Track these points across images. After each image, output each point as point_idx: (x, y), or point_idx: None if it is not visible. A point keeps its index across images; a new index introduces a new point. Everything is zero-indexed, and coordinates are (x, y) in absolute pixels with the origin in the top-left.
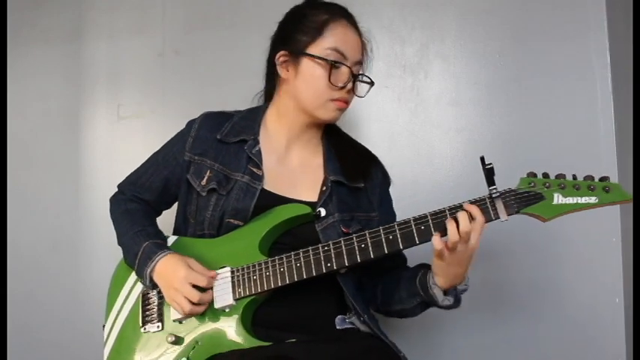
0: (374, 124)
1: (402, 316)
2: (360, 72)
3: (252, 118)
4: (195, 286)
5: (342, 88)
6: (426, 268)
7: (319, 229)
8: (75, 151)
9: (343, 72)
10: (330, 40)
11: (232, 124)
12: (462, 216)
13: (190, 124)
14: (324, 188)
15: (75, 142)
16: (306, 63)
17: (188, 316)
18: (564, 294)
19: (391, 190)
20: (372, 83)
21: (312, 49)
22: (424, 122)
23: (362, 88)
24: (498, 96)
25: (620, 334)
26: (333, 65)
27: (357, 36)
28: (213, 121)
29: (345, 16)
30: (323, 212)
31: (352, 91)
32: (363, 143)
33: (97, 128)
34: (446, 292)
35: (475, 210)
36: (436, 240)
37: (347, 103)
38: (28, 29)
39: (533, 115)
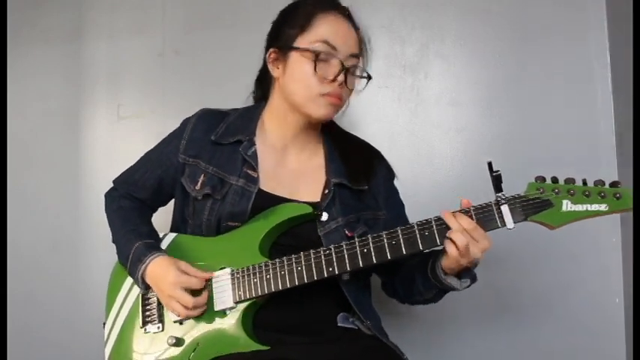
0: (374, 124)
1: (426, 303)
2: (358, 65)
3: (249, 117)
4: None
5: (333, 81)
6: (433, 258)
7: (322, 233)
8: (75, 151)
9: (333, 64)
10: (319, 32)
11: (228, 123)
12: (453, 234)
13: (185, 122)
14: (327, 191)
15: (75, 142)
16: (294, 57)
17: (187, 317)
18: (564, 294)
19: None
20: (369, 77)
21: (300, 42)
22: (424, 122)
23: (360, 82)
24: (498, 96)
25: (620, 334)
26: (318, 57)
27: (350, 28)
28: (208, 120)
29: (336, 7)
30: (325, 217)
31: (345, 85)
32: None
33: (97, 128)
34: (460, 275)
35: (465, 222)
36: (452, 249)
37: (340, 99)
38: (28, 29)
39: (533, 115)
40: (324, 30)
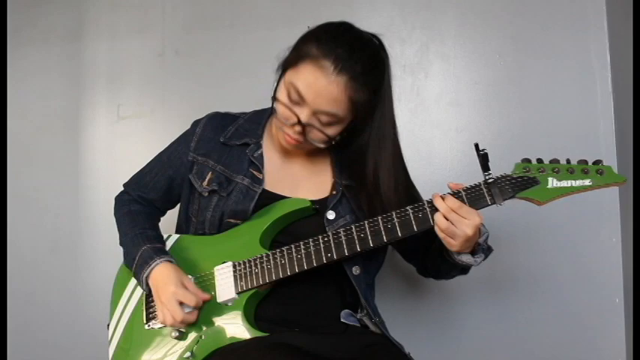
0: None
1: (460, 275)
2: (326, 122)
3: (257, 121)
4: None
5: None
6: (443, 245)
7: (330, 232)
8: (75, 151)
9: (302, 110)
10: (297, 76)
11: (237, 127)
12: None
13: (195, 124)
14: (334, 192)
15: (75, 142)
16: (282, 81)
17: (171, 326)
18: (564, 294)
19: None
20: (329, 140)
21: (288, 73)
22: (424, 122)
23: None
24: (498, 96)
25: (620, 334)
26: (290, 97)
27: (330, 84)
28: (217, 122)
29: (330, 57)
30: (332, 215)
31: (303, 136)
32: None
33: (97, 128)
34: (474, 252)
35: (451, 202)
36: (438, 230)
37: (296, 141)
38: (28, 29)
39: (533, 115)
40: (300, 77)
